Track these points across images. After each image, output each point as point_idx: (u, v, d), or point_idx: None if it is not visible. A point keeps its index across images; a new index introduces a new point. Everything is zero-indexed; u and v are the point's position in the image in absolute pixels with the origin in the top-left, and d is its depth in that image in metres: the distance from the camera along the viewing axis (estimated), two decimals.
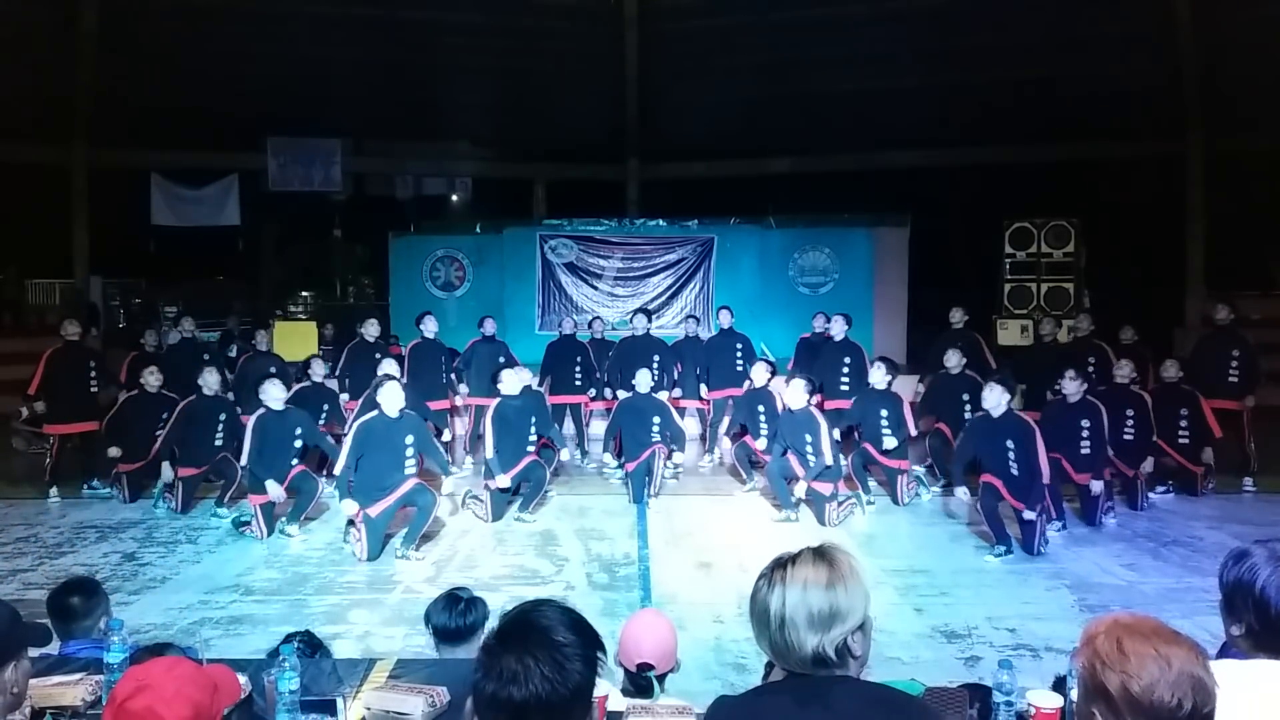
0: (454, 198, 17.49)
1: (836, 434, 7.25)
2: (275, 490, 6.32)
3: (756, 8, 13.77)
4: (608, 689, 2.17)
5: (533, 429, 7.13)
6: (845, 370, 8.36)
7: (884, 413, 7.29)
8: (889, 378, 7.35)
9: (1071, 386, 6.54)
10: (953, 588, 5.43)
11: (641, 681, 2.57)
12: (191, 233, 14.92)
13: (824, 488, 6.69)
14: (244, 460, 6.41)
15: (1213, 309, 8.02)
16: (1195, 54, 13.03)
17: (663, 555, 6.14)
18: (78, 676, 2.23)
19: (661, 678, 2.61)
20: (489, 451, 6.85)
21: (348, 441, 6.03)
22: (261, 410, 6.46)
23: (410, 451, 6.11)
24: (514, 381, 7.06)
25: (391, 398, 6.04)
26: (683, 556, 6.13)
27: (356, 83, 14.39)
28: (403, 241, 13.29)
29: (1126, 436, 7.07)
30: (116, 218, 14.68)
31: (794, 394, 6.89)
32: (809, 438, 6.77)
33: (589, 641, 1.36)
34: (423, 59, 14.46)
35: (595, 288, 12.37)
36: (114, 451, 7.36)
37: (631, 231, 12.70)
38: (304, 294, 15.44)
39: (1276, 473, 8.14)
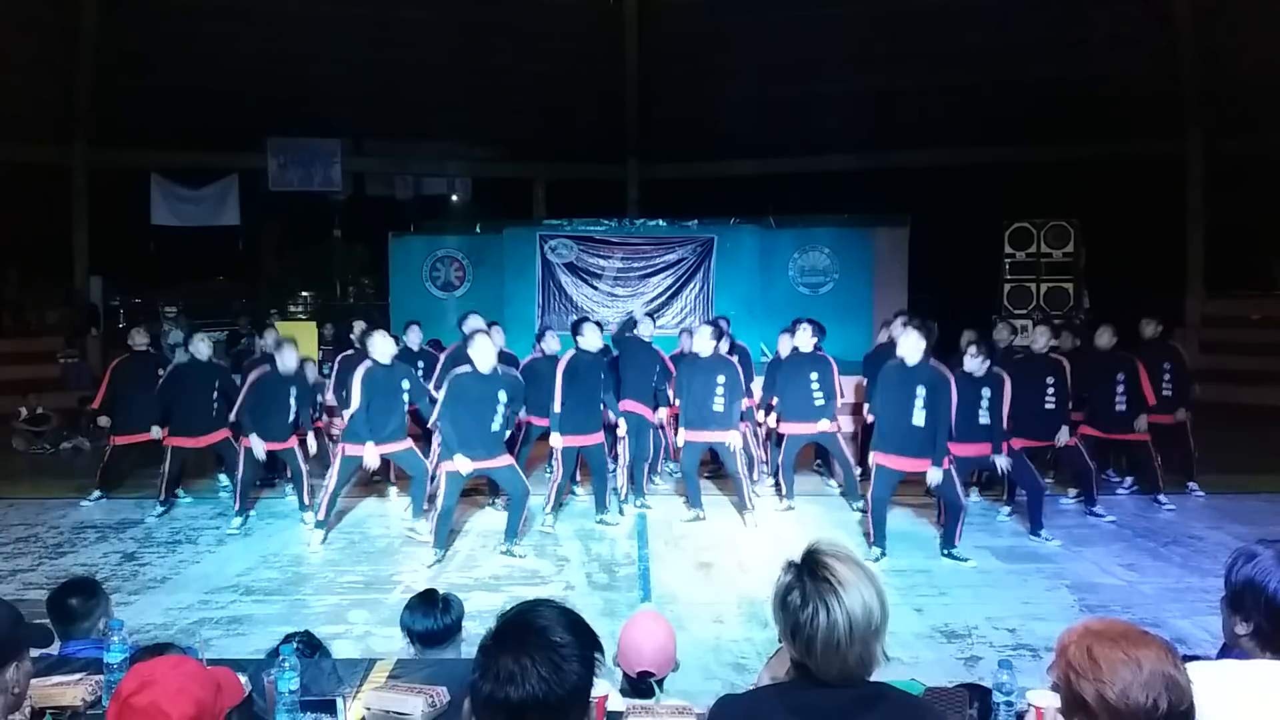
0: (454, 198, 17.50)
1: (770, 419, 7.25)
2: (371, 456, 6.12)
3: (756, 8, 13.78)
4: (607, 689, 2.16)
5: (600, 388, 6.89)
6: (815, 386, 6.97)
7: (814, 375, 6.89)
8: (815, 339, 6.95)
9: (973, 364, 6.09)
10: (953, 588, 5.43)
11: (642, 686, 2.57)
12: (191, 233, 14.93)
13: (733, 437, 6.62)
14: (350, 409, 6.19)
15: (1142, 324, 7.60)
16: (1195, 54, 13.04)
17: (663, 555, 6.14)
18: (78, 676, 2.22)
19: (661, 679, 2.61)
20: (556, 405, 6.54)
21: (442, 394, 5.83)
22: (369, 364, 6.24)
23: (500, 409, 5.93)
24: (594, 336, 6.76)
25: (484, 353, 5.83)
26: (683, 556, 6.13)
27: (356, 83, 14.41)
28: (403, 241, 13.29)
29: (1048, 405, 6.72)
30: (116, 218, 14.69)
31: (701, 341, 6.70)
32: (721, 378, 6.62)
33: (587, 642, 1.36)
34: (423, 59, 14.48)
35: (595, 288, 12.36)
36: (156, 432, 7.21)
37: (631, 231, 12.68)
38: (304, 294, 15.45)
39: (1275, 470, 8.19)
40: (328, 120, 14.91)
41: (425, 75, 14.58)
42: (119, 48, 13.40)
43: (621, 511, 7.11)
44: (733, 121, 15.16)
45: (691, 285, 12.28)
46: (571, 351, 6.78)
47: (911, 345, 5.70)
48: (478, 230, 13.28)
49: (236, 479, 6.89)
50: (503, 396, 5.91)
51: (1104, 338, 7.22)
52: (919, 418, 5.66)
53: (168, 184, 14.86)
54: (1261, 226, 13.18)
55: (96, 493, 7.51)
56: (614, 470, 7.34)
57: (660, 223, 12.78)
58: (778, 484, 7.37)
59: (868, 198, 13.72)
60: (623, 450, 7.30)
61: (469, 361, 5.89)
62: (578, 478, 7.69)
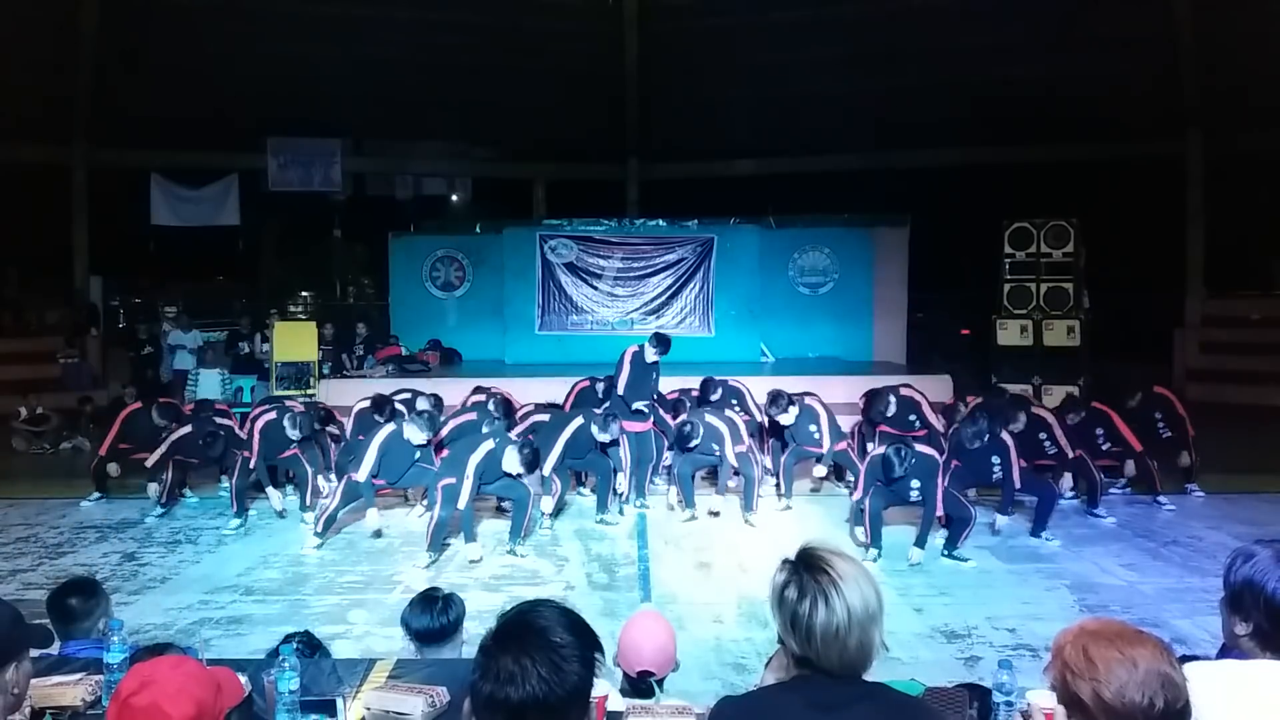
0: (454, 198, 17.51)
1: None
2: (372, 520, 6.26)
3: (756, 8, 13.77)
4: (607, 689, 2.16)
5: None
6: (814, 433, 7.36)
7: (812, 428, 7.22)
8: (791, 412, 7.15)
9: (976, 440, 6.31)
10: (953, 588, 5.43)
11: (642, 686, 2.57)
12: (191, 233, 14.93)
13: (737, 449, 6.89)
14: (359, 475, 6.17)
15: (1125, 403, 7.65)
16: (1195, 54, 13.04)
17: (663, 555, 6.14)
18: (77, 676, 2.22)
19: (661, 679, 2.61)
20: (547, 469, 6.71)
21: (469, 481, 5.93)
22: (393, 431, 6.33)
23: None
24: (608, 435, 6.98)
25: (511, 464, 6.07)
26: (683, 556, 6.13)
27: (356, 83, 14.40)
28: (403, 241, 13.29)
29: (1050, 452, 7.06)
30: (116, 218, 14.70)
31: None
32: (716, 448, 6.91)
33: (587, 642, 1.36)
34: (423, 59, 14.47)
35: (595, 288, 12.35)
36: (153, 486, 7.22)
37: (631, 231, 12.68)
38: (304, 294, 15.46)
39: (1275, 470, 8.18)
40: (328, 120, 14.91)
41: (425, 75, 14.57)
42: (119, 48, 13.40)
43: (621, 511, 7.12)
44: (733, 121, 15.16)
45: (691, 285, 12.27)
46: (579, 421, 6.90)
47: (896, 470, 5.83)
48: (478, 230, 13.27)
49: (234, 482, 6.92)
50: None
51: (1072, 418, 7.38)
52: (915, 497, 5.94)
53: (168, 184, 14.86)
54: (1261, 226, 13.19)
55: (95, 493, 7.51)
56: (615, 471, 7.35)
57: (660, 223, 12.77)
58: (778, 484, 7.40)
59: (868, 198, 13.73)
60: (625, 454, 7.33)
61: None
62: (584, 477, 7.72)
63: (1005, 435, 6.46)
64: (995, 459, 6.35)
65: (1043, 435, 7.07)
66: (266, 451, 6.98)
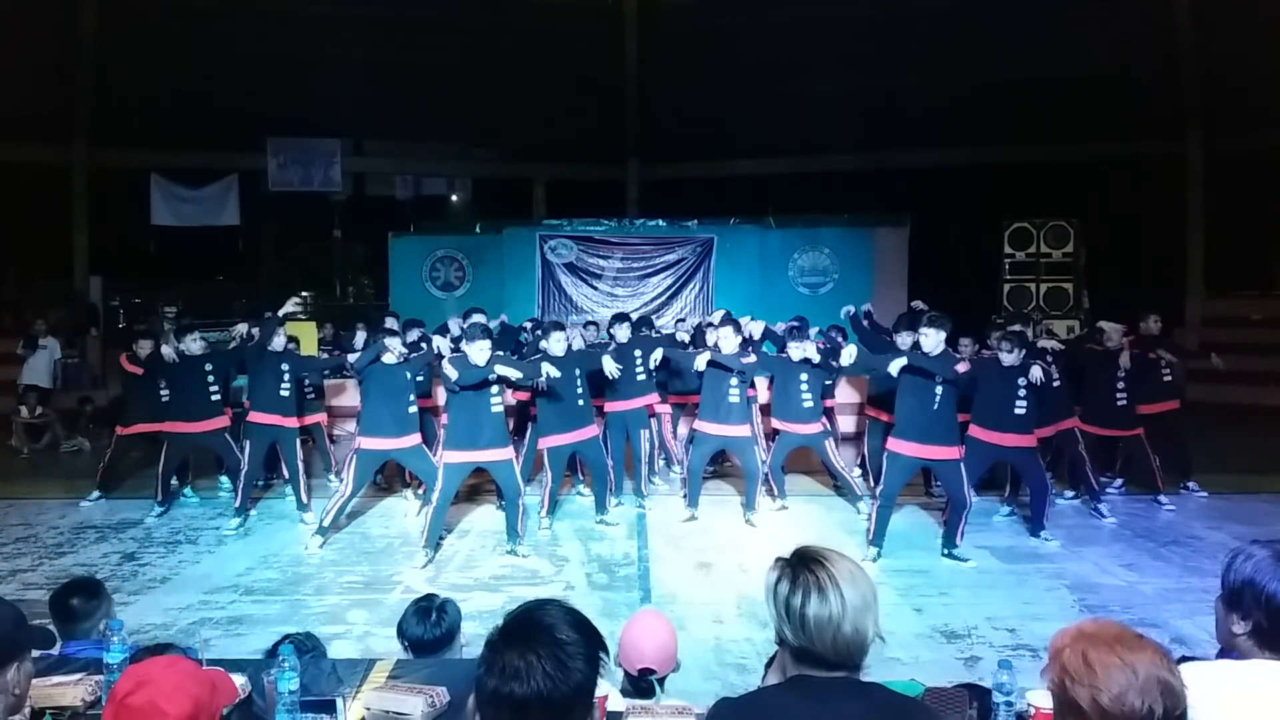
0: (454, 198, 17.50)
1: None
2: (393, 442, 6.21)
3: (756, 8, 13.79)
4: (607, 689, 2.17)
5: (579, 385, 6.71)
6: (804, 390, 6.99)
7: (804, 377, 6.95)
8: (801, 343, 6.91)
9: (1009, 358, 6.14)
10: (952, 588, 5.43)
11: (643, 684, 2.57)
12: (191, 233, 14.93)
13: (742, 430, 6.77)
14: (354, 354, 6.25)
15: (1147, 322, 7.48)
16: (1195, 54, 13.05)
17: (663, 555, 6.14)
18: (77, 676, 2.22)
19: (662, 679, 2.61)
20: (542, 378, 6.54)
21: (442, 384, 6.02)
22: (378, 366, 6.28)
23: (495, 391, 6.04)
24: (559, 344, 6.63)
25: (479, 353, 5.93)
26: (683, 556, 6.13)
27: (356, 83, 14.41)
28: (403, 241, 13.29)
29: (1024, 407, 6.68)
30: (116, 218, 14.70)
31: (726, 340, 6.76)
32: (734, 381, 6.76)
33: (592, 641, 1.37)
34: (423, 59, 14.50)
35: (595, 288, 12.36)
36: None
37: (631, 231, 12.68)
38: (304, 294, 15.43)
39: (1275, 470, 8.19)
40: (328, 120, 14.92)
41: (425, 75, 14.60)
42: (119, 48, 13.40)
43: (610, 501, 7.10)
44: (733, 121, 15.17)
45: (691, 285, 12.28)
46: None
47: (933, 341, 5.75)
48: (478, 230, 13.28)
49: (238, 479, 6.90)
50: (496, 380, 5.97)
51: (1115, 338, 7.24)
52: (938, 407, 5.73)
53: (168, 184, 14.87)
54: (1261, 226, 13.19)
55: (96, 493, 7.51)
56: (612, 465, 7.26)
57: (660, 223, 12.77)
58: (769, 487, 7.37)
59: (868, 198, 13.73)
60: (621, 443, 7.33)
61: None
62: (581, 474, 7.65)
63: (1036, 368, 6.18)
64: (1021, 381, 6.11)
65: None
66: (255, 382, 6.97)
